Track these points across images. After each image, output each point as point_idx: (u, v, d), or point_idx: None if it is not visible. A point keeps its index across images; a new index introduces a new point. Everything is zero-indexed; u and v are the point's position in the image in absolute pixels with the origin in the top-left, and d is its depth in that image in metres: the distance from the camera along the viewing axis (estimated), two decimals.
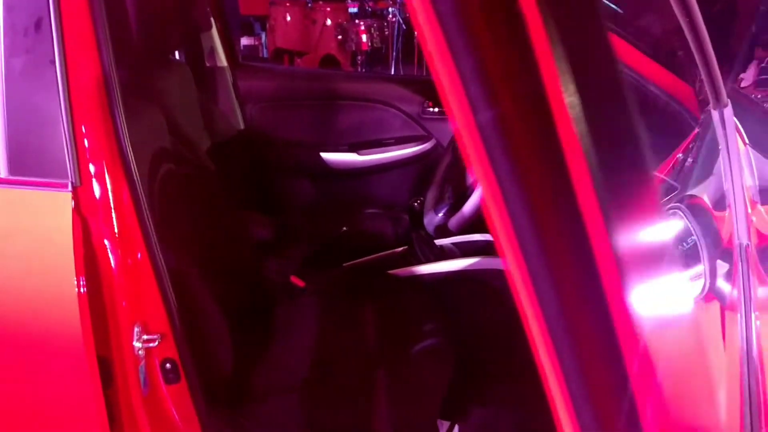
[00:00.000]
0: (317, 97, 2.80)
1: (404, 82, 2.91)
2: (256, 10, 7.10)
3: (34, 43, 1.15)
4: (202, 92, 2.19)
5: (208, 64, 2.56)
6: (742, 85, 10.22)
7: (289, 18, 6.63)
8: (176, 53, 2.33)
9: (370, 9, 7.14)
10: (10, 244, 1.17)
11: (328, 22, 6.51)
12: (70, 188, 1.15)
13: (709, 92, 1.17)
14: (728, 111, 1.17)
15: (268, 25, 7.16)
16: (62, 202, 1.15)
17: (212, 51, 2.55)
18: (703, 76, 1.17)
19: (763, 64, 9.52)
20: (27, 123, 1.17)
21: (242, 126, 2.65)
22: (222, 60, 2.58)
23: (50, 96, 1.14)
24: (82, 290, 1.12)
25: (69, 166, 1.15)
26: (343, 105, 2.77)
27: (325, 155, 2.73)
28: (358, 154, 2.75)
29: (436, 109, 2.76)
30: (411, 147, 2.76)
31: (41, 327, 1.16)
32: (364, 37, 6.29)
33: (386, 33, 6.98)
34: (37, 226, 1.16)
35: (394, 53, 6.89)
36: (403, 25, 7.14)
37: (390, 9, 7.48)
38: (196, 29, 2.37)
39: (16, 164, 1.17)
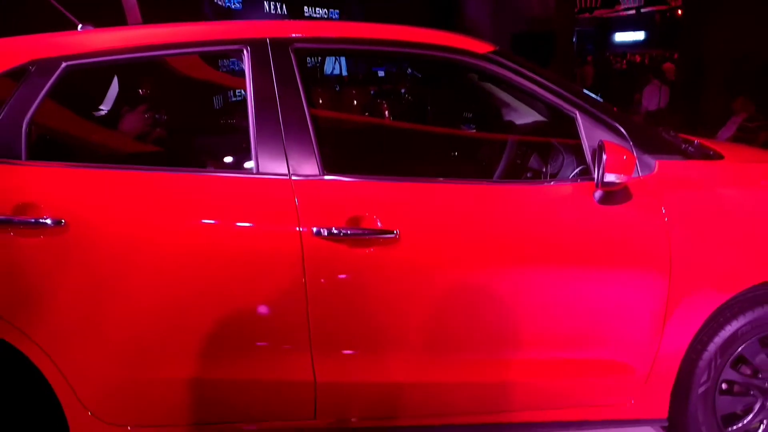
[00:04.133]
0: None
1: None
2: None
3: (264, 105, 2.31)
4: None
5: None
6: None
7: (321, 102, 7.96)
8: None
9: (386, 90, 8.52)
10: None
11: (355, 102, 7.84)
12: (287, 177, 2.27)
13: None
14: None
15: None
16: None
17: None
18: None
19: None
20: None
21: None
22: None
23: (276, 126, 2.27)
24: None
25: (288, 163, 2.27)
26: None
27: None
28: None
29: None
30: None
31: None
32: (386, 113, 7.59)
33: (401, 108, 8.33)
34: None
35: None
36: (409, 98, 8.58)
37: (402, 90, 8.88)
38: None
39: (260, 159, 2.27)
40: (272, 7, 13.23)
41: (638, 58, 23.37)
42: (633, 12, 27.14)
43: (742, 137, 7.64)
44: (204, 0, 10.11)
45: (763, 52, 11.47)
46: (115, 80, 3.53)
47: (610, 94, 14.41)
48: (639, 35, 30.43)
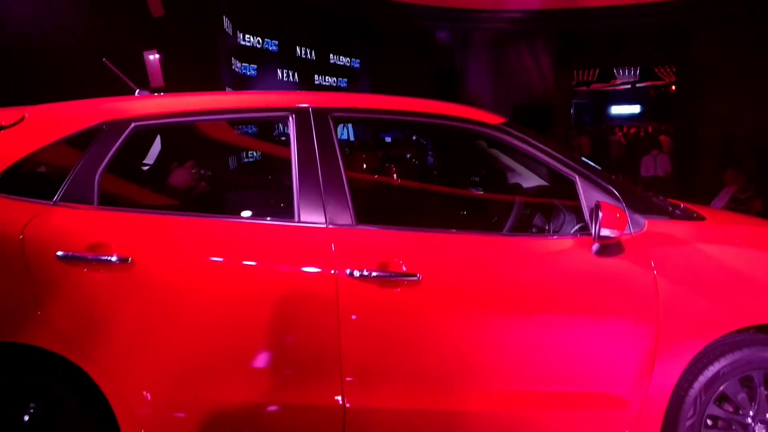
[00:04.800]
0: None
1: None
2: None
3: (306, 163, 2.66)
4: None
5: None
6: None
7: None
8: None
9: (394, 155, 8.96)
10: None
11: (364, 166, 8.23)
12: (324, 226, 2.61)
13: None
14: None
15: None
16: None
17: None
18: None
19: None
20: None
21: None
22: None
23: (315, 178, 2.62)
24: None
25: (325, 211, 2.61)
26: None
27: None
28: None
29: None
30: None
31: None
32: (395, 176, 7.99)
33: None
34: None
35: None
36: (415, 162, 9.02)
37: (408, 155, 9.32)
38: None
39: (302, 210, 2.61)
40: (285, 74, 13.86)
41: (633, 130, 24.09)
42: (629, 86, 28.02)
43: (735, 208, 8.00)
44: (222, 66, 10.66)
45: (754, 128, 12.02)
46: (158, 138, 3.90)
47: (609, 163, 15.00)
48: (635, 108, 31.38)
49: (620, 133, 21.45)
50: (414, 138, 10.74)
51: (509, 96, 17.53)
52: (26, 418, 2.54)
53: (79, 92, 3.21)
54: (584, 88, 25.70)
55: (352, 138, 12.80)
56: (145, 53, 8.16)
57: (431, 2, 15.28)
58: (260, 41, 13.00)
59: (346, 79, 16.37)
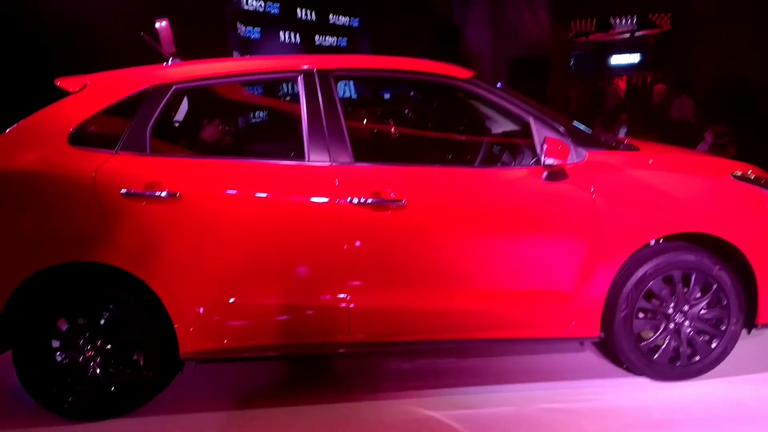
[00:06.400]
0: None
1: None
2: None
3: (314, 114, 3.34)
4: None
5: None
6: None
7: None
8: None
9: (392, 111, 9.62)
10: None
11: (365, 121, 8.88)
12: (329, 164, 3.29)
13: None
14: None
15: None
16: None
17: None
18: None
19: None
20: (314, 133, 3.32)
21: None
22: None
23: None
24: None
25: (329, 154, 3.29)
26: None
27: None
28: None
29: None
30: None
31: None
32: (393, 130, 8.64)
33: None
34: None
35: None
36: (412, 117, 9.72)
37: (405, 110, 9.98)
38: None
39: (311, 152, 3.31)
40: (287, 36, 14.42)
41: (634, 80, 24.41)
42: (627, 35, 28.24)
43: (713, 153, 8.63)
44: (228, 32, 11.29)
45: (743, 72, 12.50)
46: (185, 99, 4.57)
47: (606, 113, 15.47)
48: (634, 57, 31.61)
49: (615, 83, 21.85)
50: (411, 95, 11.38)
51: (507, 49, 17.90)
52: (102, 321, 3.29)
53: (112, 61, 3.85)
54: (583, 38, 25.97)
55: (354, 96, 13.46)
56: (156, 21, 8.79)
57: None
58: (262, 5, 13.53)
59: (345, 39, 16.91)
